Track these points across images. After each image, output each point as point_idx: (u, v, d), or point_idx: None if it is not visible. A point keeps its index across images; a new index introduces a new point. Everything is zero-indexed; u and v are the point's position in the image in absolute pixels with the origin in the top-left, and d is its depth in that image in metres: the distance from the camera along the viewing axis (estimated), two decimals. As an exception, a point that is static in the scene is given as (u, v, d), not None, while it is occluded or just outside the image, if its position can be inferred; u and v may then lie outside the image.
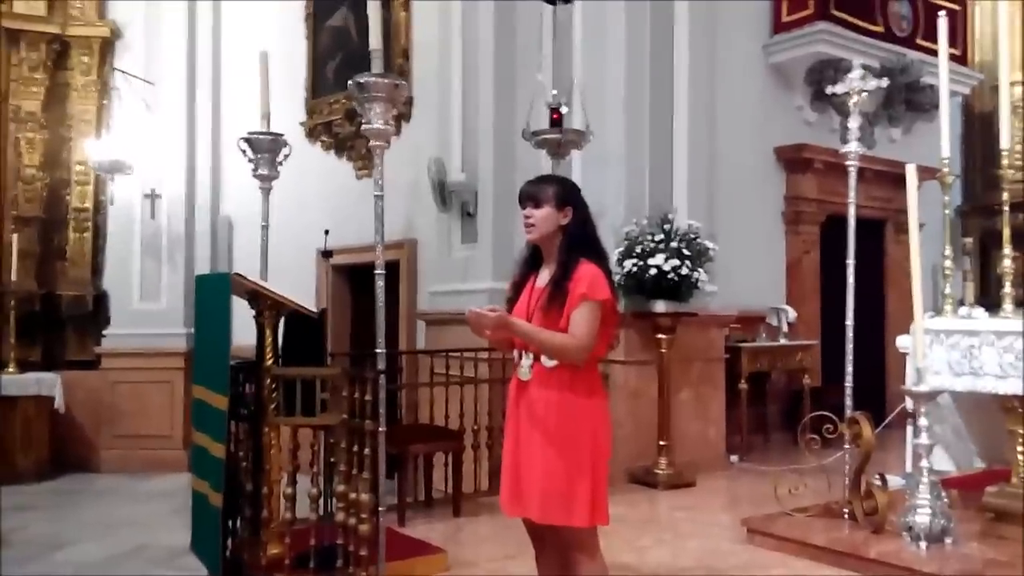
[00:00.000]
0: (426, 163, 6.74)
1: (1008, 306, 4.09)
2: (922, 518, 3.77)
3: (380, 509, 3.39)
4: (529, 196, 2.75)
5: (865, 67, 4.56)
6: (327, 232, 7.10)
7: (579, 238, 2.72)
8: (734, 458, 6.44)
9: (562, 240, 2.72)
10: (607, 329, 2.70)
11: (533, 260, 2.83)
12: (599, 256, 2.75)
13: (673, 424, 5.79)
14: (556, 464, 2.61)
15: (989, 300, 4.75)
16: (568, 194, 2.77)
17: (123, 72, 8.31)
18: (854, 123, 4.41)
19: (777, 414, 7.51)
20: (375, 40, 3.38)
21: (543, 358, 2.65)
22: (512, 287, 2.86)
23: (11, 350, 7.79)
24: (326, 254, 7.28)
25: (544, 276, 2.75)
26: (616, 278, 4.80)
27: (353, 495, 3.36)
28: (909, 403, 4.00)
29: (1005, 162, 4.27)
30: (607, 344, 2.78)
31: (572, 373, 2.65)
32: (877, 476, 4.14)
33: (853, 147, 4.40)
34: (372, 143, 3.43)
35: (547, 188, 2.76)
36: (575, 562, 2.70)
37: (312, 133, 8.50)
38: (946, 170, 4.50)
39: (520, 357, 2.72)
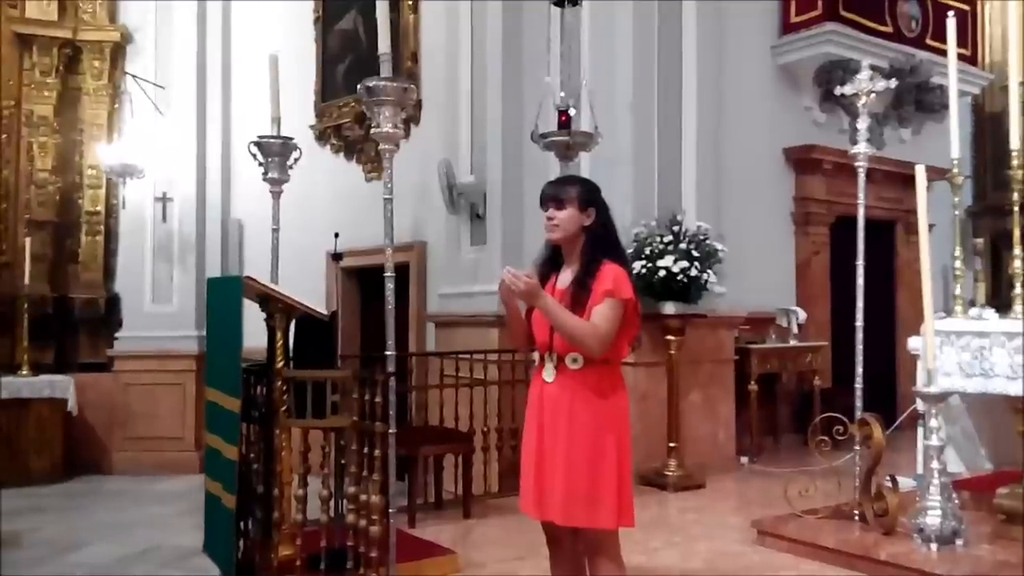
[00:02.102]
0: (435, 166, 6.76)
1: (1019, 307, 4.07)
2: (933, 520, 3.76)
3: (390, 511, 3.40)
4: (552, 197, 2.75)
5: (874, 68, 4.56)
6: (337, 235, 7.13)
7: (602, 239, 2.73)
8: (744, 460, 6.44)
9: (584, 241, 2.73)
10: (629, 329, 2.70)
11: (553, 262, 2.83)
12: (621, 257, 2.75)
13: (682, 426, 5.79)
14: (581, 466, 2.60)
15: (1000, 301, 4.73)
16: (591, 195, 2.77)
17: (134, 76, 8.36)
18: (863, 124, 4.40)
19: (787, 415, 7.49)
20: (384, 44, 3.39)
21: (567, 359, 2.65)
22: None
23: (24, 353, 7.84)
24: (336, 257, 7.30)
25: (565, 277, 2.75)
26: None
27: (364, 497, 3.37)
28: (920, 404, 3.99)
29: (1015, 162, 4.26)
30: (628, 344, 2.77)
31: (597, 374, 2.65)
32: (888, 478, 4.13)
33: (862, 148, 4.39)
34: (381, 146, 3.45)
35: (570, 189, 2.76)
36: (596, 564, 2.69)
37: (322, 136, 8.53)
38: (956, 171, 4.49)
39: (543, 359, 2.72)
